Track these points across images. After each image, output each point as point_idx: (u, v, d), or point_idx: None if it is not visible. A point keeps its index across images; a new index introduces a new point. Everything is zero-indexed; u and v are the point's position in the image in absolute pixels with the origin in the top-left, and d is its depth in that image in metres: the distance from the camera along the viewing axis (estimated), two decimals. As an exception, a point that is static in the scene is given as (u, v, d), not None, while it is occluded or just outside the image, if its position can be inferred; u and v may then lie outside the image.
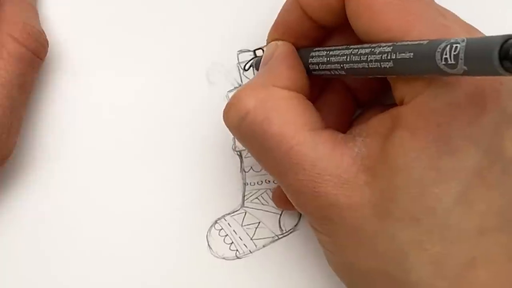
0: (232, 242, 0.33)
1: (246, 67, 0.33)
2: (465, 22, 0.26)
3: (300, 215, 0.33)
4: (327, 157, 0.25)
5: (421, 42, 0.22)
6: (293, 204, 0.27)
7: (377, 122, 0.25)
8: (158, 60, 0.33)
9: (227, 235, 0.33)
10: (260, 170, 0.33)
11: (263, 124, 0.26)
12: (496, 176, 0.23)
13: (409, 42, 0.23)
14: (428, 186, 0.23)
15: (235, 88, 0.33)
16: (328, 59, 0.27)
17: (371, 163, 0.24)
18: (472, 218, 0.23)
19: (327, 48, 0.28)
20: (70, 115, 0.33)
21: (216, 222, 0.33)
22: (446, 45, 0.21)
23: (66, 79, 0.33)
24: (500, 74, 0.19)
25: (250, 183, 0.33)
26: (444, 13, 0.26)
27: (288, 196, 0.27)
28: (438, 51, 0.21)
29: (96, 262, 0.33)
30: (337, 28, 0.29)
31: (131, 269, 0.33)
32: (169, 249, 0.33)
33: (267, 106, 0.26)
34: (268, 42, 0.30)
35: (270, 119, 0.26)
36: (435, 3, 0.26)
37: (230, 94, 0.33)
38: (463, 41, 0.21)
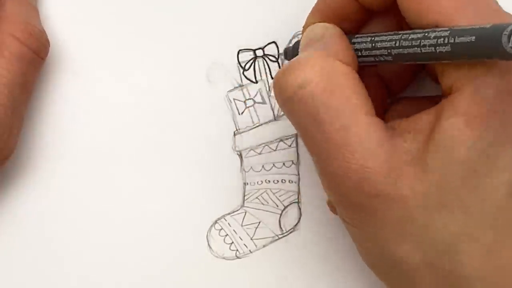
0: (232, 242, 0.33)
1: (247, 67, 0.33)
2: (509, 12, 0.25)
3: (300, 215, 0.33)
4: (381, 145, 0.24)
5: (483, 26, 0.22)
6: (331, 191, 0.26)
7: (426, 116, 0.24)
8: (158, 60, 0.33)
9: (227, 235, 0.33)
10: (260, 170, 0.33)
11: (323, 96, 0.24)
12: None
13: (469, 26, 0.23)
14: (482, 176, 0.23)
15: (235, 88, 0.33)
16: (373, 44, 0.26)
17: (421, 157, 0.24)
18: None
19: (371, 34, 0.27)
20: (71, 115, 0.33)
21: (216, 222, 0.33)
22: None
23: (66, 79, 0.33)
24: None
25: (250, 183, 0.33)
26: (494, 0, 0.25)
27: (325, 183, 0.26)
28: (505, 34, 0.21)
29: (96, 262, 0.33)
30: (378, 13, 0.28)
31: (131, 269, 0.33)
32: (169, 249, 0.33)
33: (331, 77, 0.25)
34: (306, 25, 0.28)
35: (332, 91, 0.24)
36: None
37: (230, 94, 0.33)
38: None
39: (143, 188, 0.33)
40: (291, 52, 0.30)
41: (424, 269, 0.24)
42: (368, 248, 0.26)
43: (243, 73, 0.33)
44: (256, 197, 0.33)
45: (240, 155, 0.33)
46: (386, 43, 0.26)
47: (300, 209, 0.33)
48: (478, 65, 0.23)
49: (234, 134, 0.33)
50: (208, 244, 0.33)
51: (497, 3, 0.25)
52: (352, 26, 0.28)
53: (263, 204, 0.33)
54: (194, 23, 0.33)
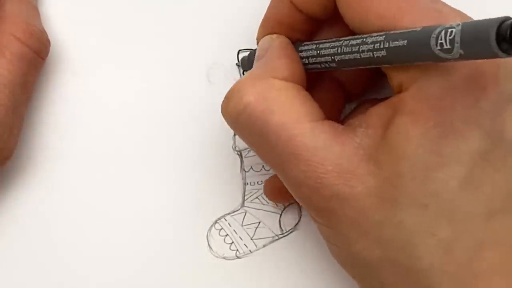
0: (232, 242, 0.33)
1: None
2: (455, 8, 0.25)
3: (300, 215, 0.33)
4: (328, 147, 0.25)
5: (415, 29, 0.22)
6: (294, 197, 0.27)
7: (377, 112, 0.25)
8: (158, 60, 0.33)
9: (227, 235, 0.33)
10: (260, 170, 0.33)
11: (263, 115, 0.26)
12: (499, 158, 0.23)
13: (402, 30, 0.23)
14: (432, 171, 0.23)
15: (235, 88, 0.33)
16: (318, 52, 0.27)
17: (373, 152, 0.24)
18: (478, 201, 0.23)
19: (316, 42, 0.27)
20: (71, 115, 0.33)
21: (216, 222, 0.33)
22: (441, 30, 0.21)
23: (67, 79, 0.33)
24: (498, 56, 0.19)
25: (250, 183, 0.33)
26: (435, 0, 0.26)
27: (289, 189, 0.27)
28: (433, 37, 0.21)
29: (96, 262, 0.32)
30: (328, 20, 0.29)
31: (131, 269, 0.33)
32: (169, 249, 0.33)
33: (267, 97, 0.26)
34: (258, 39, 0.30)
35: (270, 110, 0.26)
36: None
37: (230, 94, 0.33)
38: (458, 25, 0.21)
39: (143, 188, 0.33)
40: (246, 63, 0.32)
41: (385, 265, 0.25)
42: (335, 247, 0.27)
43: (243, 73, 0.33)
44: (256, 197, 0.33)
45: (240, 155, 0.33)
46: (329, 50, 0.26)
47: (300, 209, 0.33)
48: (422, 65, 0.23)
49: (234, 134, 0.33)
50: (208, 244, 0.33)
51: (441, 1, 0.25)
52: (302, 36, 0.29)
53: (263, 204, 0.33)
54: (194, 23, 0.33)
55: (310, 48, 0.28)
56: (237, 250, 0.33)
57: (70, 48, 0.33)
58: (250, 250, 0.33)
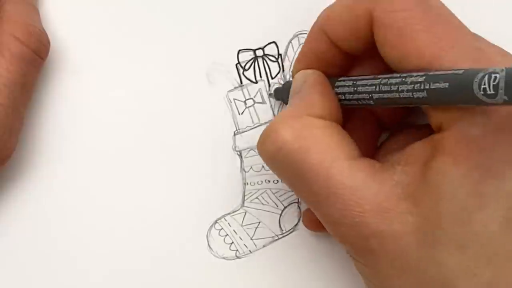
0: (232, 242, 0.33)
1: (246, 67, 0.33)
2: (496, 45, 0.25)
3: (300, 215, 0.33)
4: (366, 185, 0.24)
5: (457, 71, 0.22)
6: (332, 234, 0.26)
7: (416, 150, 0.25)
8: (158, 60, 0.33)
9: (227, 235, 0.33)
10: (260, 170, 0.33)
11: (300, 154, 0.25)
12: None
13: (443, 72, 0.23)
14: (472, 212, 0.23)
15: (235, 88, 0.33)
16: (355, 88, 0.27)
17: (412, 191, 0.24)
18: None
19: (353, 78, 0.27)
20: (71, 115, 0.33)
21: (216, 222, 0.33)
22: (484, 75, 0.20)
23: (67, 79, 0.33)
24: None
25: (250, 183, 0.33)
26: (477, 37, 0.25)
27: (326, 227, 0.27)
28: (476, 81, 0.21)
29: (96, 262, 0.33)
30: (365, 55, 0.28)
31: (132, 269, 0.33)
32: (169, 249, 0.33)
33: (304, 136, 0.26)
34: (294, 73, 0.30)
35: (307, 149, 0.25)
36: (467, 27, 0.25)
37: (230, 94, 0.33)
38: (502, 70, 0.20)
39: (143, 188, 0.33)
40: (280, 92, 0.32)
41: None
42: (371, 282, 0.26)
43: (243, 73, 0.33)
44: (256, 197, 0.33)
45: (240, 155, 0.33)
46: (367, 87, 0.26)
47: (300, 209, 0.33)
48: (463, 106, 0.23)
49: (234, 134, 0.33)
50: (208, 244, 0.33)
51: (483, 39, 0.25)
52: (337, 71, 0.29)
53: (263, 204, 0.33)
54: (194, 23, 0.33)
55: (346, 84, 0.27)
56: (237, 250, 0.33)
57: (70, 48, 0.33)
58: (250, 250, 0.33)
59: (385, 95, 0.25)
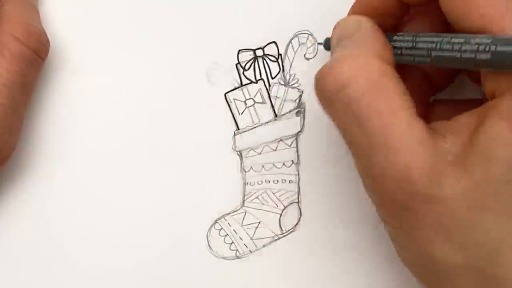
0: (232, 242, 0.33)
1: (246, 67, 0.33)
2: None
3: (300, 215, 0.33)
4: (422, 144, 0.24)
5: None
6: (372, 191, 0.26)
7: (466, 120, 0.24)
8: (158, 60, 0.33)
9: (227, 235, 0.33)
10: (260, 170, 0.33)
11: (365, 97, 0.24)
12: None
13: (511, 36, 0.22)
14: None
15: (235, 88, 0.33)
16: (414, 44, 0.26)
17: (464, 158, 0.24)
18: None
19: (413, 34, 0.26)
20: (71, 115, 0.33)
21: (216, 222, 0.33)
22: None
23: (66, 79, 0.33)
24: None
25: (250, 183, 0.33)
26: None
27: (371, 181, 0.26)
28: None
29: (96, 262, 0.33)
30: (421, 12, 0.28)
31: (132, 269, 0.33)
32: (169, 249, 0.33)
33: (371, 77, 0.25)
34: None
35: (373, 92, 0.24)
36: None
37: (230, 94, 0.33)
38: None
39: (143, 188, 0.33)
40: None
41: (463, 271, 0.24)
42: (406, 247, 0.26)
43: (243, 73, 0.33)
44: (256, 197, 0.33)
45: (240, 155, 0.33)
46: (427, 44, 0.25)
47: (300, 209, 0.33)
48: None
49: (234, 134, 0.33)
50: (208, 244, 0.33)
51: None
52: (390, 23, 0.28)
53: (263, 204, 0.33)
54: (194, 23, 0.33)
55: (406, 39, 0.27)
56: (237, 250, 0.33)
57: (70, 48, 0.33)
58: (250, 250, 0.33)
59: (446, 54, 0.24)
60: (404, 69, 0.29)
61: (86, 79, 0.33)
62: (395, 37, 0.27)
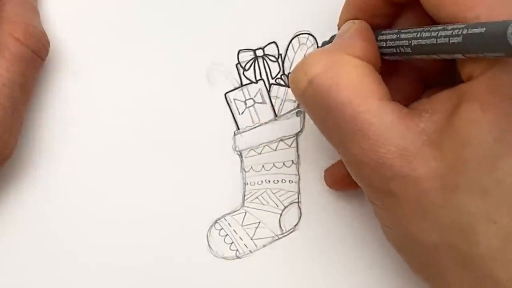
0: (232, 242, 0.33)
1: (247, 67, 0.33)
2: None
3: (300, 215, 0.33)
4: (393, 127, 0.25)
5: (496, 21, 0.22)
6: (353, 176, 0.27)
7: (443, 98, 0.25)
8: (158, 60, 0.33)
9: (227, 235, 0.33)
10: (260, 170, 0.33)
11: (331, 89, 0.26)
12: None
13: (484, 22, 0.23)
14: (498, 159, 0.23)
15: (235, 88, 0.33)
16: (398, 36, 0.27)
17: (437, 138, 0.24)
18: None
19: (400, 28, 0.27)
20: (71, 115, 0.33)
21: (216, 222, 0.33)
22: None
23: (66, 79, 0.33)
24: None
25: (250, 183, 0.33)
26: None
27: (348, 168, 0.27)
28: (510, 30, 0.21)
29: (96, 262, 0.33)
30: (407, 6, 0.28)
31: (131, 269, 0.33)
32: (169, 249, 0.33)
33: (336, 71, 0.26)
34: (339, 25, 0.29)
35: (338, 84, 0.25)
36: None
37: (230, 94, 0.33)
38: None
39: (143, 188, 0.33)
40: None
41: (442, 249, 0.25)
42: (391, 228, 0.27)
43: (243, 73, 0.33)
44: (256, 197, 0.33)
45: (240, 155, 0.33)
46: (409, 34, 0.26)
47: (300, 209, 0.33)
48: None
49: (234, 134, 0.33)
50: (208, 244, 0.33)
51: None
52: (382, 21, 0.29)
53: (263, 204, 0.33)
54: (194, 23, 0.33)
55: (391, 32, 0.27)
56: (237, 250, 0.33)
57: (70, 48, 0.33)
58: (250, 250, 0.33)
59: (423, 42, 0.25)
60: (397, 66, 0.30)
61: (86, 79, 0.33)
62: (382, 32, 0.28)
